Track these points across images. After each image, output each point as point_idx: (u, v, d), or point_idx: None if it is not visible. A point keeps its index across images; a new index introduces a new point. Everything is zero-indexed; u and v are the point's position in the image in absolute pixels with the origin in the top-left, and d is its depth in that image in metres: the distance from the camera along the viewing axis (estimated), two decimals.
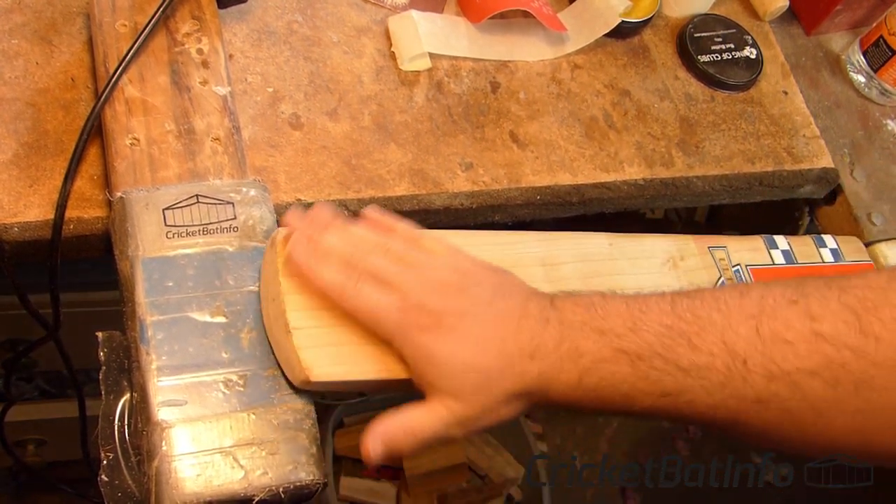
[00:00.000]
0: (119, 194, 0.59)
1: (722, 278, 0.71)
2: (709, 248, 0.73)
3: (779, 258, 0.75)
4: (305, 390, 0.54)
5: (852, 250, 0.80)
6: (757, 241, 0.76)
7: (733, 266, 0.72)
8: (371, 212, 0.58)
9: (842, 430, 0.47)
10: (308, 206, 0.68)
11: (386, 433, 0.52)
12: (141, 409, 0.52)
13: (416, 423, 0.52)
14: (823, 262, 0.77)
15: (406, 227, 0.57)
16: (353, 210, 0.70)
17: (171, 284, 0.55)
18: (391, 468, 1.50)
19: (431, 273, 0.53)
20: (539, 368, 0.50)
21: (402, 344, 0.52)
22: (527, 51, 0.83)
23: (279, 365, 0.55)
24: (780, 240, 0.77)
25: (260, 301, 0.57)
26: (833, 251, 0.79)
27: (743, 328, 0.48)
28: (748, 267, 0.73)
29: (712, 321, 0.49)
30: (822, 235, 0.80)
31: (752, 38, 0.91)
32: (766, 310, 0.48)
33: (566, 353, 0.50)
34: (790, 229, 0.95)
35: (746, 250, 0.75)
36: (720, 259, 0.72)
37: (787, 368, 0.47)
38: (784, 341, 0.47)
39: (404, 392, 0.54)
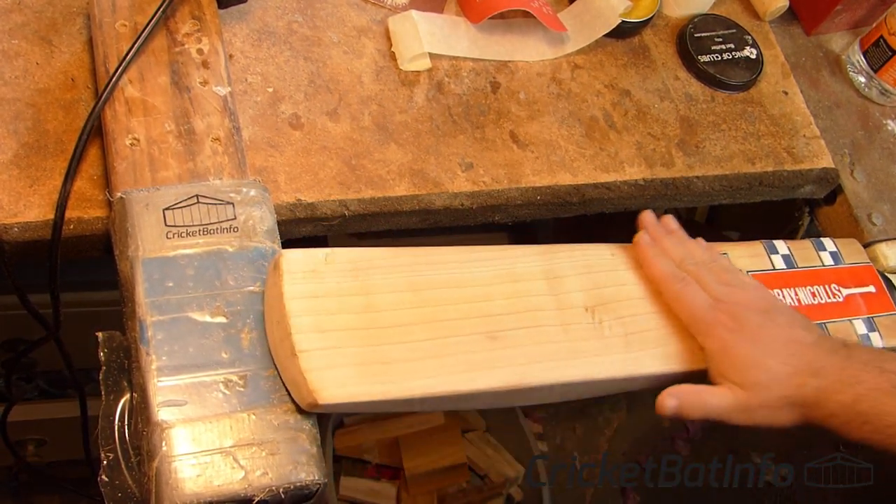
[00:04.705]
0: (119, 194, 0.59)
1: None
2: None
3: (779, 263, 0.75)
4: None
5: (852, 252, 0.80)
6: (757, 247, 0.76)
7: None
8: (701, 240, 0.70)
9: None
10: (308, 206, 0.68)
11: (682, 394, 0.60)
12: (141, 410, 0.52)
13: (708, 397, 0.60)
14: (823, 266, 0.77)
15: (728, 260, 0.70)
16: (353, 210, 0.70)
17: (171, 285, 0.55)
18: (391, 468, 1.50)
19: (743, 293, 0.65)
20: (818, 384, 0.59)
21: (705, 336, 0.62)
22: (527, 51, 0.83)
23: (286, 388, 0.54)
24: (780, 244, 0.77)
25: (264, 316, 0.56)
26: (833, 254, 0.79)
27: None
28: (749, 273, 0.73)
29: None
30: (822, 239, 0.80)
31: (753, 38, 0.91)
32: None
33: (847, 378, 0.59)
34: (790, 229, 0.95)
35: (747, 256, 0.74)
36: None
37: None
38: None
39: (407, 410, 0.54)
